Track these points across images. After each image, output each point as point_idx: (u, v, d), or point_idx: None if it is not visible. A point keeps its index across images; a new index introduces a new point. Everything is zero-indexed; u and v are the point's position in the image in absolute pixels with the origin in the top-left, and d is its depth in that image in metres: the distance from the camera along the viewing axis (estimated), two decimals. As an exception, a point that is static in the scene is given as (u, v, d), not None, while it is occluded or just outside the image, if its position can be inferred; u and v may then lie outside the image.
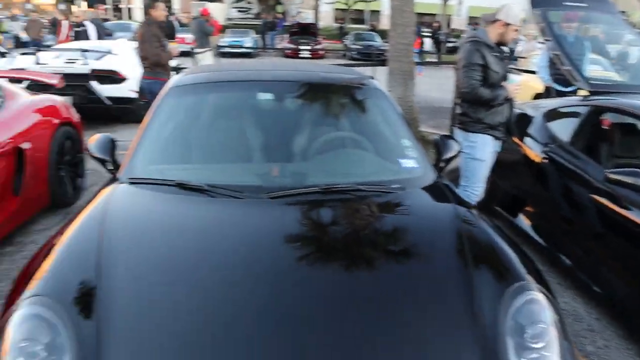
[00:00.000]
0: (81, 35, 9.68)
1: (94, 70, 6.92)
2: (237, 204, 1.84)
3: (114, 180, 2.20)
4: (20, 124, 3.70)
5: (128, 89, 7.10)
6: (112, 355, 1.26)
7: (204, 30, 10.13)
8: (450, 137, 2.53)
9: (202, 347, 1.26)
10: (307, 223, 1.78)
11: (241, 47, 20.17)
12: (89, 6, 59.19)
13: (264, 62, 3.49)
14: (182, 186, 1.96)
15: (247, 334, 1.27)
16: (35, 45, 14.09)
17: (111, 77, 7.04)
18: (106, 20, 16.55)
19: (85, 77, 6.88)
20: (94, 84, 6.93)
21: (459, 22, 30.26)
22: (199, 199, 1.89)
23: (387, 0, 6.51)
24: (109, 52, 7.61)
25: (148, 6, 5.30)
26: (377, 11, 35.01)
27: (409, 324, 1.35)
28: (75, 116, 4.52)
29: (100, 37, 16.72)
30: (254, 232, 1.66)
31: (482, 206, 3.31)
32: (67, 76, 6.24)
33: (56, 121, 4.15)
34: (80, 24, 9.16)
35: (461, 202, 2.00)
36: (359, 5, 32.91)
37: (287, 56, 20.85)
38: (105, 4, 59.17)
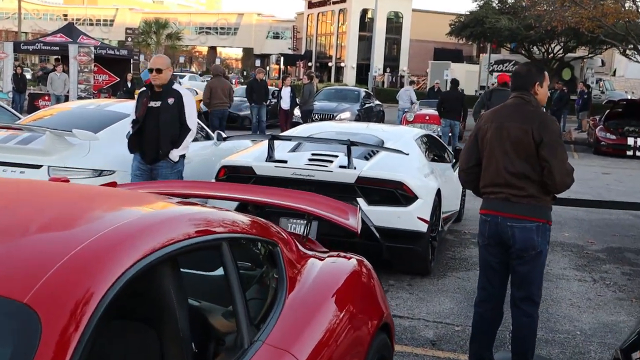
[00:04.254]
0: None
1: (362, 180, 6.15)
2: None
3: None
4: (318, 345, 2.35)
5: (416, 217, 6.21)
6: None
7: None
8: None
9: None
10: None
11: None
12: (286, 64, 65.85)
13: None
14: None
15: None
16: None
17: (390, 192, 6.19)
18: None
19: (347, 189, 6.15)
20: (361, 203, 6.07)
21: None
22: None
23: None
24: (382, 147, 6.73)
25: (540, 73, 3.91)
26: None
27: None
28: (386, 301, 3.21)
29: (292, 106, 17.52)
30: None
31: None
32: (312, 185, 5.99)
33: (371, 325, 2.79)
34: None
35: None
36: None
37: (602, 152, 18.65)
38: (310, 61, 66.97)
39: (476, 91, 40.00)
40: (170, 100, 6.45)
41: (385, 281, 6.19)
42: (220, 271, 2.51)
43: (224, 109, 14.61)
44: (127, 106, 8.36)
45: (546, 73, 4.19)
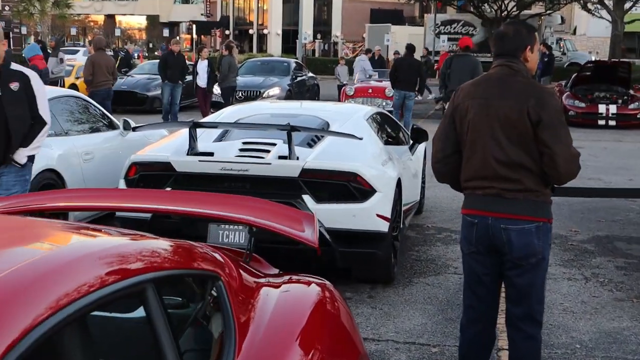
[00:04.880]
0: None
1: (307, 173, 5.92)
2: None
3: None
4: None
5: (375, 214, 6.00)
6: None
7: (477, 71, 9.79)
8: None
9: None
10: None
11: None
12: (199, 33, 65.04)
13: None
14: None
15: None
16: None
17: (342, 186, 5.98)
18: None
19: (290, 184, 5.94)
20: (308, 201, 5.90)
21: None
22: None
23: None
24: (329, 130, 6.73)
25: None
26: None
27: None
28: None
29: (211, 83, 17.20)
30: None
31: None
32: (246, 182, 5.93)
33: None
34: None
35: None
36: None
37: (571, 123, 18.87)
38: (227, 29, 66.14)
39: (422, 57, 40.30)
40: (14, 85, 5.51)
41: (340, 294, 5.92)
42: (140, 312, 2.15)
43: (108, 88, 14.64)
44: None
45: (536, 34, 3.95)
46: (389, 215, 5.97)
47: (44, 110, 5.69)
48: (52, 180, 6.72)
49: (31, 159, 5.73)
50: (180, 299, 2.48)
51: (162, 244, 2.20)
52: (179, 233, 5.89)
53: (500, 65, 3.83)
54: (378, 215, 5.91)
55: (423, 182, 8.69)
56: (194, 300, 2.49)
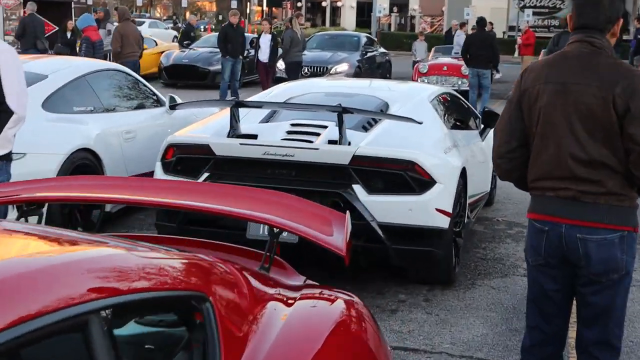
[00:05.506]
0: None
1: (359, 160, 5.61)
2: None
3: None
4: None
5: (434, 208, 5.68)
6: None
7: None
8: None
9: None
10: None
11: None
12: (270, 5, 65.02)
13: None
14: None
15: None
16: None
17: (398, 175, 5.67)
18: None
19: (339, 173, 5.63)
20: (359, 192, 5.58)
21: None
22: None
23: None
24: (386, 113, 6.39)
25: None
26: None
27: None
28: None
29: (273, 58, 16.94)
30: None
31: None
32: (291, 169, 5.71)
33: None
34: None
35: None
36: None
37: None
38: (299, 1, 66.18)
39: (504, 33, 39.41)
40: None
41: (393, 295, 5.60)
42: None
43: (135, 60, 14.73)
44: (48, 64, 7.62)
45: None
46: (449, 210, 5.59)
47: (12, 96, 4.51)
48: (87, 160, 6.48)
49: (3, 158, 4.65)
50: (152, 327, 2.13)
51: (132, 259, 1.84)
52: (216, 224, 5.67)
53: (580, 41, 3.33)
54: (437, 210, 5.55)
55: (494, 171, 8.25)
56: (171, 327, 2.14)
